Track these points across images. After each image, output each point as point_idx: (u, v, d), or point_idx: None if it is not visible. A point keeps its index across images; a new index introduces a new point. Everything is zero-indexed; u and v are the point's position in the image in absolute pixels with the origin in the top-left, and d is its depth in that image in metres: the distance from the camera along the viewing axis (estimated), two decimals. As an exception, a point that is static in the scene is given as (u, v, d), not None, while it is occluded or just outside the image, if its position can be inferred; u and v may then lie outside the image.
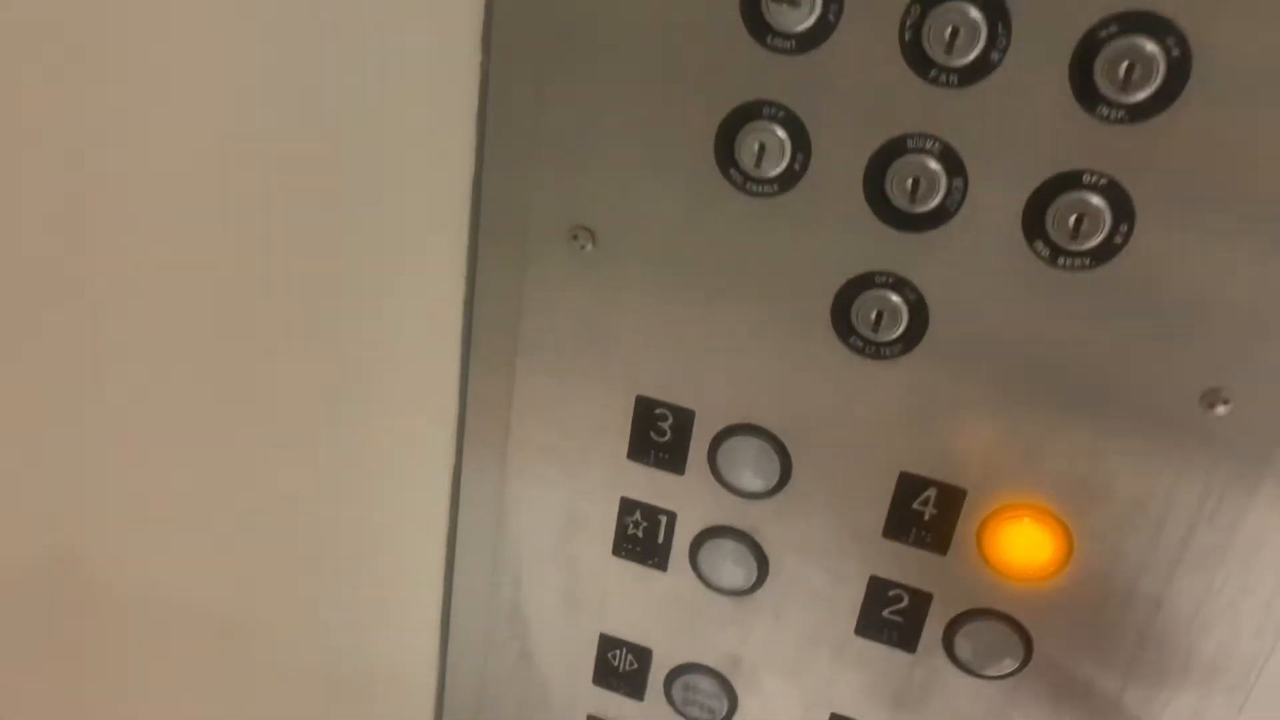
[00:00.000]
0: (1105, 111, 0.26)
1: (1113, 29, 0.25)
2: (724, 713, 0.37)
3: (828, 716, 0.36)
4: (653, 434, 0.34)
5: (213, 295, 0.37)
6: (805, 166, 0.29)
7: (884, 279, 0.29)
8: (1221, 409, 0.28)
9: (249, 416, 0.39)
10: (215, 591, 0.44)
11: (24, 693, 0.49)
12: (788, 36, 0.27)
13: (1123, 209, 0.27)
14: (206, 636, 0.45)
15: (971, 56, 0.26)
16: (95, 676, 0.48)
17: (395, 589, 0.41)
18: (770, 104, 0.28)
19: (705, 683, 0.37)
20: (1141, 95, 0.25)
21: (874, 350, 0.30)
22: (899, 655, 0.34)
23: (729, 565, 0.35)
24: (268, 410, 0.39)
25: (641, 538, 0.35)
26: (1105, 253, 0.27)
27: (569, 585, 0.37)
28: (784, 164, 0.29)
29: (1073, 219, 0.27)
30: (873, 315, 0.30)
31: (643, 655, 0.37)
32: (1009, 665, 0.32)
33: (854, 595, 0.33)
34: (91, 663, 0.47)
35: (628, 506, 0.35)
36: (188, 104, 0.34)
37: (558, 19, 0.29)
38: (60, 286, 0.39)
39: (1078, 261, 0.27)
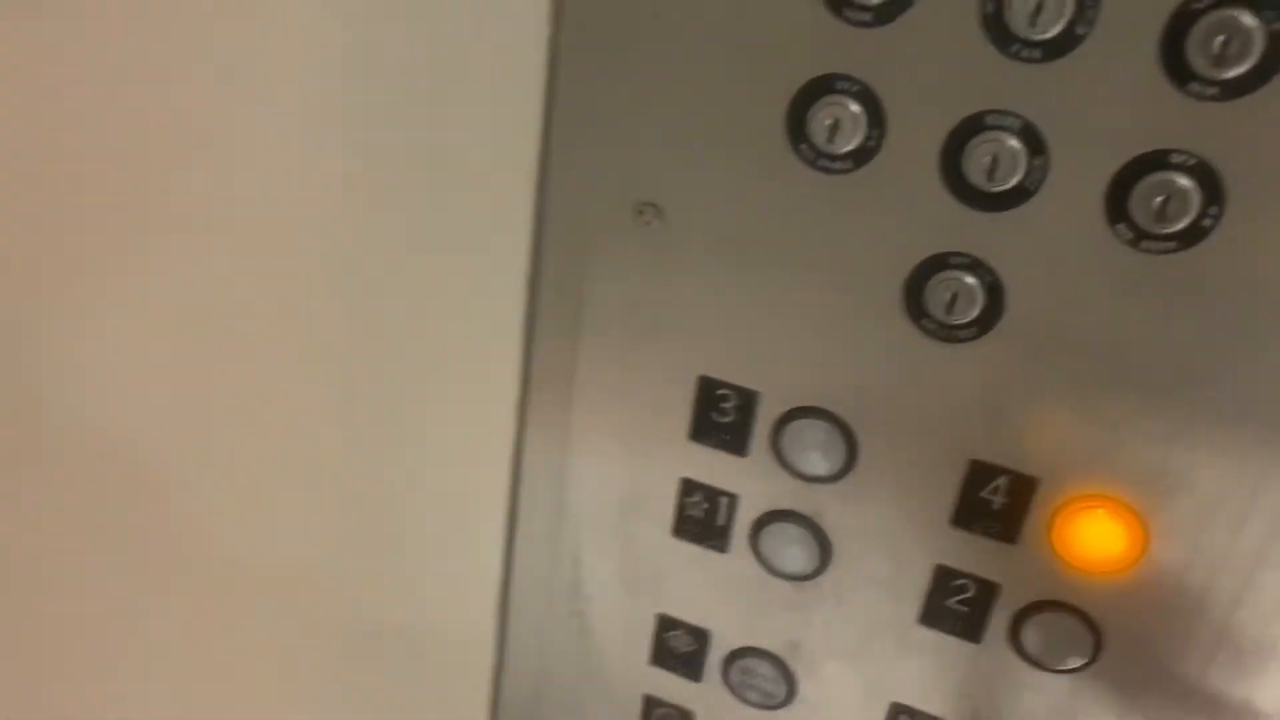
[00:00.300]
0: (1197, 88, 0.25)
1: (1207, 1, 0.24)
2: (782, 697, 0.37)
3: (888, 705, 0.35)
4: (715, 415, 0.33)
5: (302, 276, 0.38)
6: (879, 143, 0.28)
7: (959, 260, 0.28)
8: (1313, 401, 0.27)
9: (327, 395, 0.40)
10: (290, 554, 0.44)
11: (97, 633, 0.50)
12: (865, 9, 0.27)
13: (1213, 191, 0.25)
14: (282, 594, 0.45)
15: (1056, 30, 0.25)
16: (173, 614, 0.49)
17: (457, 563, 0.41)
18: (844, 78, 0.28)
19: (764, 667, 0.36)
20: (1237, 71, 0.24)
21: (947, 333, 0.29)
22: (963, 646, 0.33)
23: (791, 549, 0.34)
24: (342, 388, 0.39)
25: (702, 519, 0.35)
26: (1192, 236, 0.26)
27: (628, 564, 0.37)
28: (857, 140, 0.28)
29: (1158, 201, 0.26)
30: (947, 297, 0.29)
31: (701, 637, 0.37)
32: (1077, 660, 0.32)
33: (919, 583, 0.33)
34: (177, 603, 0.48)
35: (688, 487, 0.35)
36: (275, 83, 0.34)
37: (629, -9, 0.29)
38: (188, 293, 0.40)
39: (1162, 245, 0.26)
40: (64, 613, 0.49)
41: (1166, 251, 0.26)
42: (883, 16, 0.27)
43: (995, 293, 0.29)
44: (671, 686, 0.38)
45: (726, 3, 0.28)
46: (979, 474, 0.31)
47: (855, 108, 0.28)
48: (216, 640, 0.48)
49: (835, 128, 0.28)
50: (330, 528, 0.43)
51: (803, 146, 0.29)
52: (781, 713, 0.37)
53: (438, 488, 0.40)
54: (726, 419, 0.33)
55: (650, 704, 0.39)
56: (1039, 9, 0.25)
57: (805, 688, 0.36)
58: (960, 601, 0.33)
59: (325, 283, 0.38)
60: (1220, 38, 0.24)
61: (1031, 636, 0.32)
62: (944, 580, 0.32)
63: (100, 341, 0.43)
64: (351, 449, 0.41)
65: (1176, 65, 0.25)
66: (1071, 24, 0.25)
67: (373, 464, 0.41)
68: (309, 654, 0.47)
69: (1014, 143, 0.27)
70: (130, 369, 0.43)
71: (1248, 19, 0.24)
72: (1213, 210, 0.26)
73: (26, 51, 0.37)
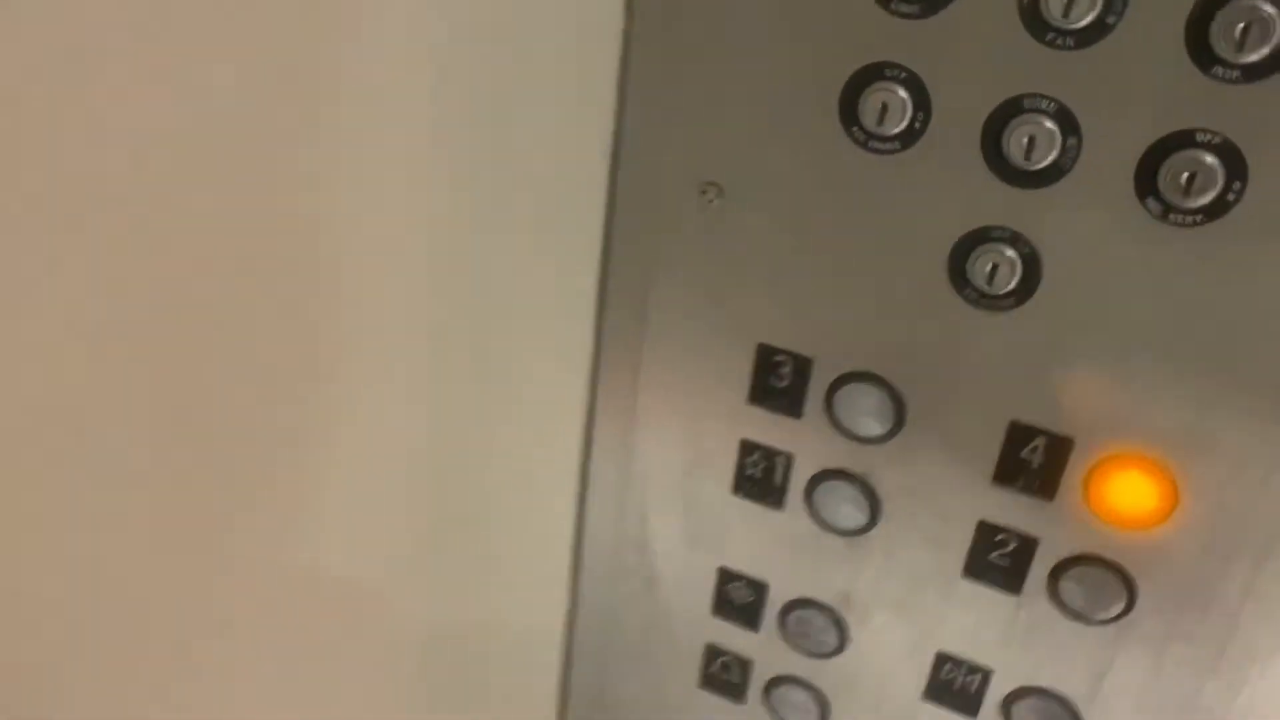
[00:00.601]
0: (1220, 71, 0.27)
1: (1228, -9, 0.26)
2: (834, 646, 0.39)
3: (934, 654, 0.37)
4: (772, 380, 0.36)
5: (382, 260, 0.40)
6: (925, 125, 0.30)
7: (999, 233, 0.31)
8: (1332, 365, 0.28)
9: (412, 379, 0.42)
10: (375, 534, 0.47)
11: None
12: (911, 1, 0.29)
13: (1236, 167, 0.27)
14: (368, 575, 0.48)
15: (1089, 19, 0.27)
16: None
17: (533, 521, 0.44)
18: (893, 65, 0.30)
19: (817, 617, 0.39)
20: (1258, 55, 0.26)
21: (988, 302, 0.32)
22: (1004, 598, 0.35)
23: (843, 506, 0.37)
24: (427, 369, 0.42)
25: (760, 478, 0.38)
26: (1217, 210, 0.28)
27: (691, 521, 0.40)
28: (905, 123, 0.31)
29: (1185, 177, 0.28)
30: (988, 268, 0.31)
31: (759, 589, 0.40)
32: (1112, 611, 0.34)
33: (963, 538, 0.35)
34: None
35: (747, 448, 0.37)
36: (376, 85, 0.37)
37: (694, -13, 0.32)
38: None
39: (1189, 218, 0.28)
40: (145, 612, 0.51)
41: (1193, 225, 0.28)
42: (927, 9, 0.29)
43: (1032, 264, 0.31)
44: (731, 636, 0.41)
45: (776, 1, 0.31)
46: (1018, 435, 0.33)
47: (902, 93, 0.30)
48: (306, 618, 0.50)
49: (884, 111, 0.31)
50: (415, 509, 0.45)
51: (854, 129, 0.31)
52: (834, 661, 0.40)
53: (515, 460, 0.43)
54: (783, 384, 0.36)
55: (712, 653, 0.42)
56: (1072, 1, 0.27)
57: (857, 636, 0.39)
58: (1001, 555, 0.35)
59: (406, 267, 0.40)
60: (1242, 24, 0.26)
61: (1068, 588, 0.34)
62: (986, 535, 0.35)
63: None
64: (434, 429, 0.43)
65: (1201, 50, 0.27)
66: (1102, 14, 0.27)
67: (453, 443, 0.43)
68: (396, 628, 0.50)
69: (1050, 124, 0.29)
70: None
71: (1269, 7, 0.26)
72: (1236, 186, 0.28)
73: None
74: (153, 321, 0.40)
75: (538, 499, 0.43)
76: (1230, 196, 0.28)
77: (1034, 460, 0.33)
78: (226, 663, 0.50)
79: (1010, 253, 0.31)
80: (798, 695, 0.41)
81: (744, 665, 0.41)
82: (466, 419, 0.43)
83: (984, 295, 0.32)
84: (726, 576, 0.40)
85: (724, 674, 0.42)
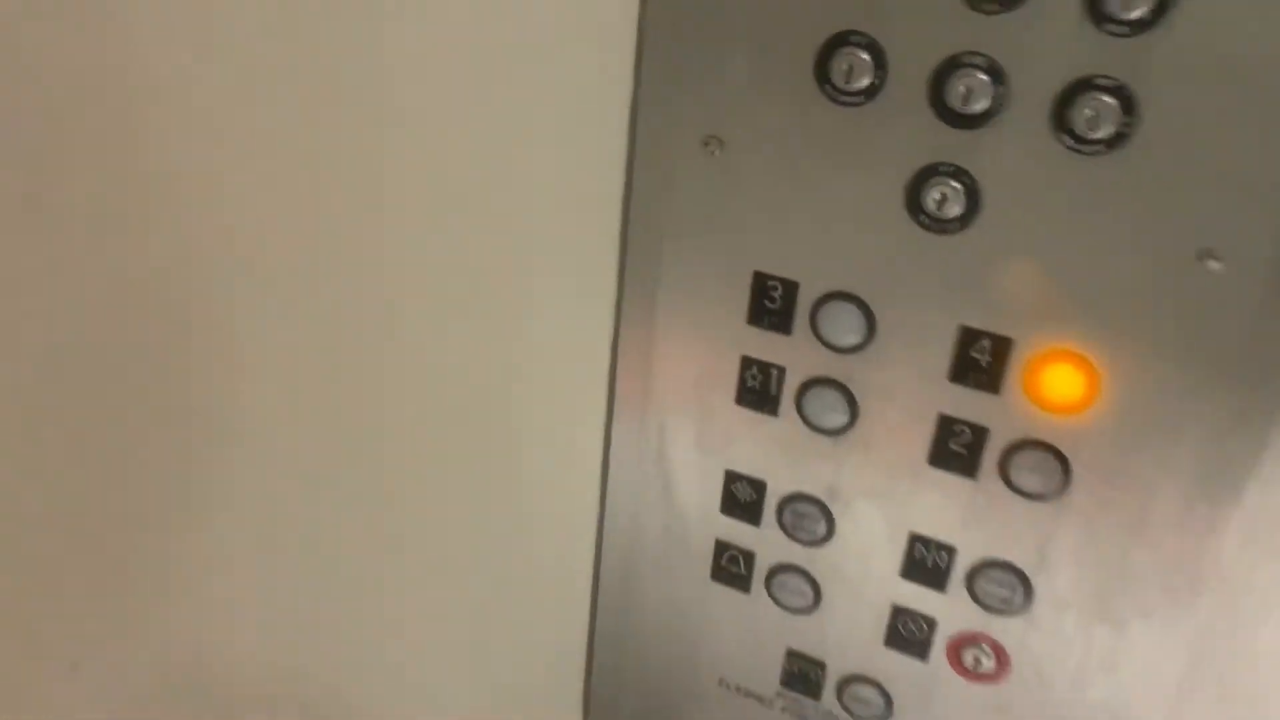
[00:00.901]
0: (1111, 28, 0.33)
1: (1113, -37, 0.33)
2: (824, 534, 0.46)
3: (907, 536, 0.44)
4: (766, 302, 0.43)
5: (424, 190, 0.47)
6: (883, 82, 0.37)
7: (945, 169, 0.38)
8: (1214, 264, 0.35)
9: (446, 304, 0.49)
10: (411, 453, 0.53)
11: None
12: (867, -21, 0.36)
13: (1128, 105, 0.34)
14: (401, 489, 0.55)
15: (1007, -10, 0.34)
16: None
17: (564, 446, 0.51)
18: (856, 33, 0.37)
19: (809, 509, 0.46)
20: (1139, 13, 0.33)
21: (939, 226, 0.38)
22: (963, 481, 0.42)
23: (827, 409, 0.43)
24: (463, 299, 0.49)
25: (758, 389, 0.44)
26: (1116, 141, 0.35)
27: (701, 430, 0.47)
28: (867, 80, 0.37)
29: (1089, 114, 0.35)
30: (937, 198, 0.38)
31: (759, 487, 0.46)
32: (1051, 487, 0.40)
33: (927, 431, 0.42)
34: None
35: (747, 363, 0.44)
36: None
37: (695, -27, 0.39)
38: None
39: (1094, 149, 0.35)
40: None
41: (1098, 154, 0.35)
42: (881, -15, 0.36)
43: (974, 194, 0.38)
44: (737, 531, 0.48)
45: (767, -21, 0.38)
46: (968, 337, 0.40)
47: (864, 55, 0.37)
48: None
49: (850, 72, 0.38)
50: (452, 429, 0.52)
51: (827, 86, 0.38)
52: (824, 548, 0.46)
53: (548, 382, 0.50)
54: (775, 305, 0.43)
55: (720, 547, 0.49)
56: (994, -25, 0.34)
57: (842, 524, 0.45)
58: (958, 444, 0.41)
59: (445, 194, 0.45)
60: (1125, -11, 0.33)
61: (1015, 470, 0.41)
62: (945, 427, 0.41)
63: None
64: (470, 357, 0.50)
65: (1096, 11, 0.34)
66: (1019, -15, 0.34)
67: (489, 369, 0.50)
68: (430, 537, 0.56)
69: (982, 76, 0.36)
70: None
71: (1146, -24, 0.33)
72: (1130, 121, 0.34)
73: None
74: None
75: (569, 416, 0.50)
76: (1126, 130, 0.35)
77: (981, 359, 0.40)
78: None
79: (955, 184, 0.38)
80: (795, 581, 0.47)
81: (748, 557, 0.48)
82: (502, 351, 0.50)
83: (935, 220, 0.38)
84: (731, 478, 0.47)
85: (732, 566, 0.49)
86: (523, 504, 0.53)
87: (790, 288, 0.42)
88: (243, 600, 0.55)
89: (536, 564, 0.55)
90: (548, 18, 0.42)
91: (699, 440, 0.47)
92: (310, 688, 0.59)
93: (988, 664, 0.45)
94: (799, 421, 0.44)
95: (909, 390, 0.41)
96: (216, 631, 0.55)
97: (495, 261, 0.47)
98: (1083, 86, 0.35)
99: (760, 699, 0.51)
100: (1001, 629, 0.44)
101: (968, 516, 0.42)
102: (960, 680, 0.46)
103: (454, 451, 0.52)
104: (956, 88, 0.36)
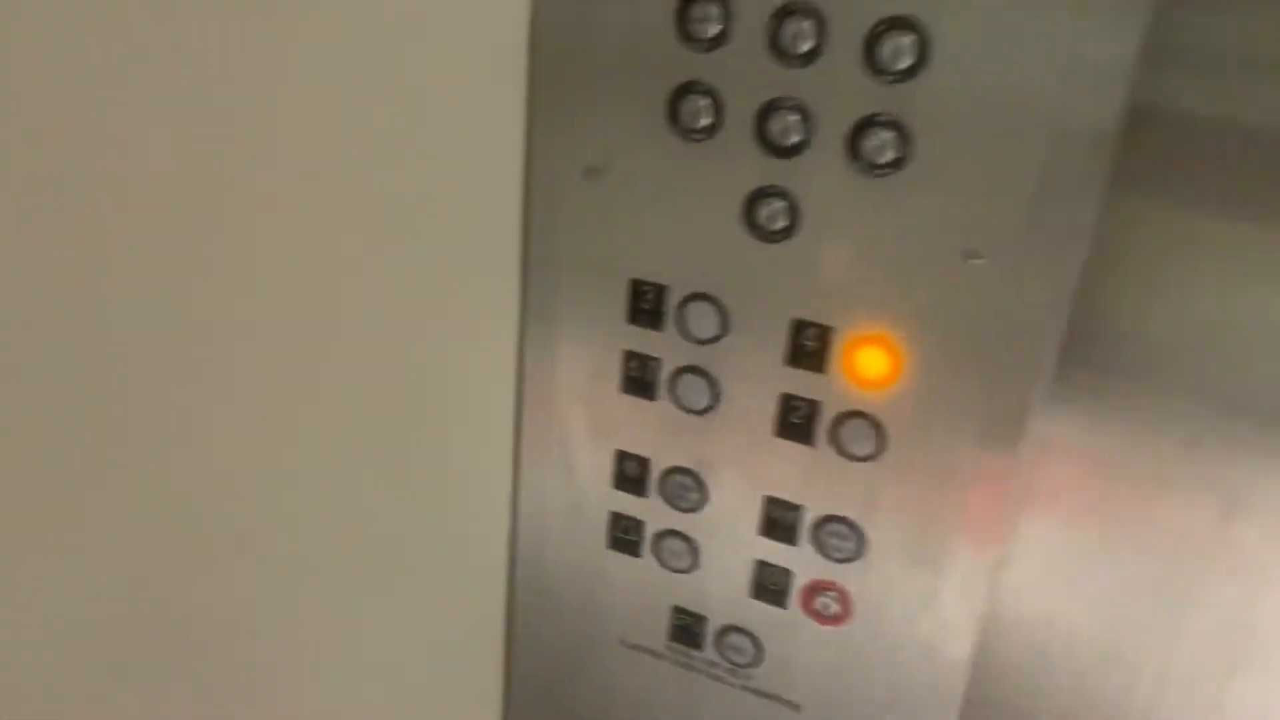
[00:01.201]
0: (886, 76, 0.43)
1: (881, 29, 0.42)
2: (698, 501, 0.54)
3: (762, 497, 0.53)
4: (642, 304, 0.52)
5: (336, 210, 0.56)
6: (722, 122, 0.47)
7: (772, 190, 0.47)
8: (977, 261, 0.44)
9: (362, 328, 0.58)
10: (322, 457, 0.60)
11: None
12: (700, 40, 0.46)
13: (904, 137, 0.44)
14: (320, 491, 0.62)
15: (807, 48, 0.44)
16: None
17: (480, 431, 0.59)
18: (698, 82, 0.47)
19: (685, 479, 0.54)
20: (904, 64, 0.42)
21: (770, 238, 0.47)
22: (803, 449, 0.51)
23: (695, 393, 0.52)
24: (373, 320, 0.57)
25: (638, 378, 0.53)
26: (897, 165, 0.44)
27: (592, 415, 0.55)
28: (708, 120, 0.47)
29: (875, 144, 0.44)
30: (767, 214, 0.47)
31: (644, 463, 0.55)
32: (873, 450, 0.49)
33: (772, 407, 0.50)
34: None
35: (628, 357, 0.53)
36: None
37: (572, 29, 0.48)
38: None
39: (882, 171, 0.44)
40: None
41: (885, 175, 0.44)
42: (712, 46, 0.46)
43: (794, 210, 0.47)
44: (627, 503, 0.56)
45: (626, 45, 0.47)
46: (799, 328, 0.48)
47: (704, 101, 0.47)
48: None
49: (696, 114, 0.47)
50: (374, 428, 0.57)
51: (677, 126, 0.48)
52: (700, 514, 0.55)
53: (461, 376, 0.57)
54: (648, 306, 0.52)
55: (615, 518, 0.57)
56: (796, 35, 0.44)
57: (714, 493, 0.54)
58: (797, 417, 0.50)
59: (353, 220, 0.52)
60: (890, 45, 0.42)
61: (842, 436, 0.49)
62: (786, 403, 0.50)
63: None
64: (393, 367, 0.56)
65: (873, 63, 0.43)
66: (816, 45, 0.44)
67: (412, 376, 0.57)
68: (356, 526, 0.63)
69: (794, 117, 0.45)
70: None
71: (905, 38, 0.42)
72: (905, 148, 0.44)
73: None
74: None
75: (482, 413, 0.58)
76: (903, 156, 0.44)
77: (810, 345, 0.49)
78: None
79: (779, 203, 0.47)
80: (677, 544, 0.56)
81: (638, 525, 0.57)
82: (422, 360, 0.57)
83: (767, 233, 0.48)
84: (621, 456, 0.55)
85: (625, 534, 0.57)
86: (442, 494, 0.61)
87: (660, 291, 0.51)
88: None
89: (456, 549, 0.63)
90: (443, 73, 0.51)
91: (593, 425, 0.56)
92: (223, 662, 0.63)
93: (835, 608, 0.53)
94: (672, 404, 0.53)
95: (757, 374, 0.50)
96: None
97: (410, 280, 0.56)
98: (868, 122, 0.44)
99: (653, 653, 0.59)
100: (844, 575, 0.52)
101: (809, 478, 0.51)
102: (814, 624, 0.54)
103: (376, 447, 0.59)
104: (776, 126, 0.46)
